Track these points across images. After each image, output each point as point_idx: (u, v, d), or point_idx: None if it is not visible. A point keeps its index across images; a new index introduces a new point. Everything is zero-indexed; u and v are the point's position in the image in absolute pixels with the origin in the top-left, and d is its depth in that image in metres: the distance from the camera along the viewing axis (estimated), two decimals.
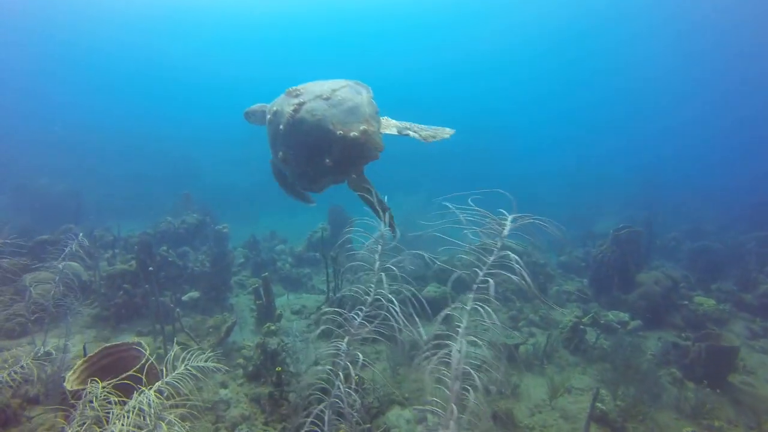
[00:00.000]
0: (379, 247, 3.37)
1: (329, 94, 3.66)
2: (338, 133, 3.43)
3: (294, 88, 3.86)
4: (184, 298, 6.68)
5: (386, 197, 3.65)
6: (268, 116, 3.96)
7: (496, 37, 39.51)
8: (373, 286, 3.28)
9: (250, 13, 38.09)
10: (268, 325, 5.86)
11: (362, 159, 3.56)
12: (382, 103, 4.03)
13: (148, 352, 3.44)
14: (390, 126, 3.86)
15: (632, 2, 31.52)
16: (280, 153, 3.73)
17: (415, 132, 3.85)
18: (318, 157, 3.54)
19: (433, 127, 3.96)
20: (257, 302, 6.22)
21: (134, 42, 41.24)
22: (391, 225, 3.52)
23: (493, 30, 38.51)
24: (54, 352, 5.41)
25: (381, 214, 3.41)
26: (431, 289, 7.76)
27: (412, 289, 3.21)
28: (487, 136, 35.13)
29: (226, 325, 5.41)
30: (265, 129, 4.19)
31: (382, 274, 3.36)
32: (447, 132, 3.87)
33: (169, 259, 6.84)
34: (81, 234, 5.47)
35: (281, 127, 3.64)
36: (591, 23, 35.26)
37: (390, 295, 7.91)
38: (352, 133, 3.45)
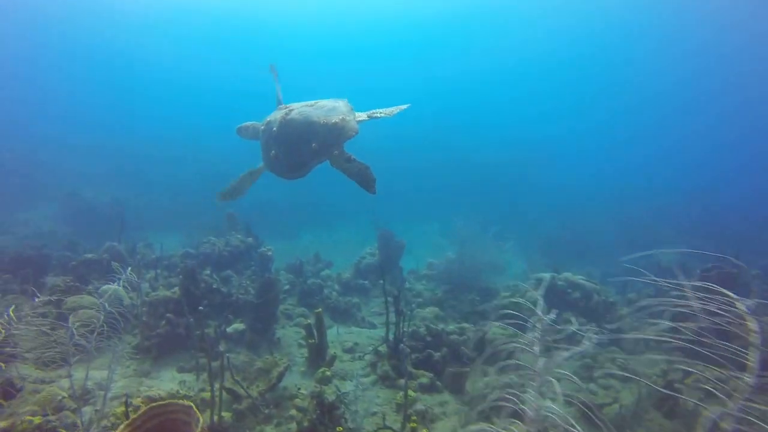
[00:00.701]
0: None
1: (312, 103, 4.82)
2: (321, 122, 4.46)
3: (284, 105, 5.07)
4: (229, 329, 6.21)
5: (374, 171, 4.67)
6: (262, 127, 5.03)
7: (521, 47, 39.39)
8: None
9: (296, 25, 39.21)
10: (323, 370, 5.28)
11: (342, 137, 4.48)
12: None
13: (201, 422, 2.89)
14: (361, 116, 4.81)
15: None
16: (273, 151, 4.72)
17: (380, 113, 4.90)
18: (305, 145, 4.47)
19: (392, 107, 4.99)
20: (309, 341, 5.66)
21: (175, 52, 43.06)
22: (369, 181, 4.67)
23: (516, 41, 38.49)
24: (94, 389, 5.02)
25: (364, 177, 4.64)
26: (497, 332, 7.00)
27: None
28: (527, 148, 34.46)
29: (278, 369, 4.86)
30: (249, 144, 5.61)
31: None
32: (402, 107, 4.97)
33: (214, 286, 6.40)
34: (129, 269, 5.05)
35: (275, 129, 4.68)
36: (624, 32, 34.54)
37: (455, 335, 6.99)
38: (332, 120, 4.46)
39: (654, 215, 21.77)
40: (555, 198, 25.91)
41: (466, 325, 7.47)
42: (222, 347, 5.97)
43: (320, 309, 5.87)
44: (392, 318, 7.30)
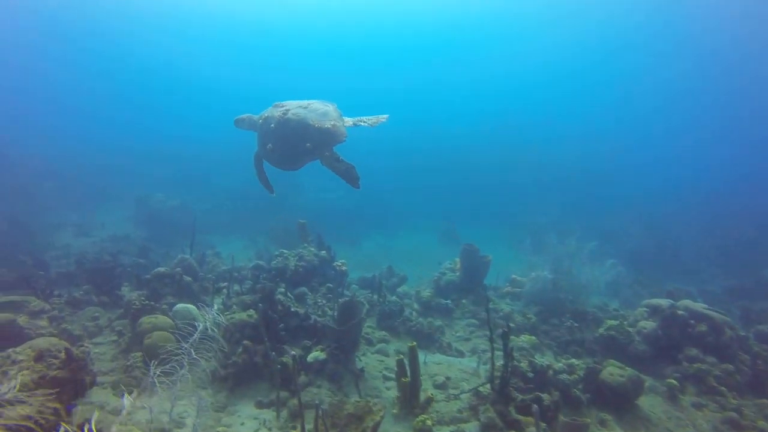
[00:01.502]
0: None
1: (306, 104, 5.35)
2: (316, 126, 5.01)
3: (279, 102, 5.55)
4: (309, 358, 5.63)
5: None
6: (260, 121, 5.54)
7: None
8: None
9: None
10: (423, 418, 4.54)
11: (333, 142, 5.03)
12: None
13: None
14: (348, 122, 5.31)
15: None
16: (270, 145, 5.27)
17: (364, 122, 5.34)
18: (301, 143, 5.05)
19: (374, 116, 5.40)
20: (402, 380, 4.95)
21: (236, 61, 45.00)
22: (354, 179, 5.07)
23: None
24: (168, 427, 4.59)
25: (350, 175, 5.05)
26: (614, 371, 5.93)
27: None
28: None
29: (373, 419, 4.17)
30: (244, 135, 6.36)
31: None
32: (383, 118, 5.37)
33: (292, 309, 5.87)
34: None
35: (272, 125, 5.23)
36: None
37: (564, 374, 5.76)
38: (325, 126, 5.02)
39: (758, 227, 19.26)
40: (631, 205, 23.87)
41: (575, 361, 6.44)
42: (302, 379, 5.41)
43: (414, 343, 5.14)
44: (483, 345, 6.43)
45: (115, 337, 6.20)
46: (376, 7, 37.30)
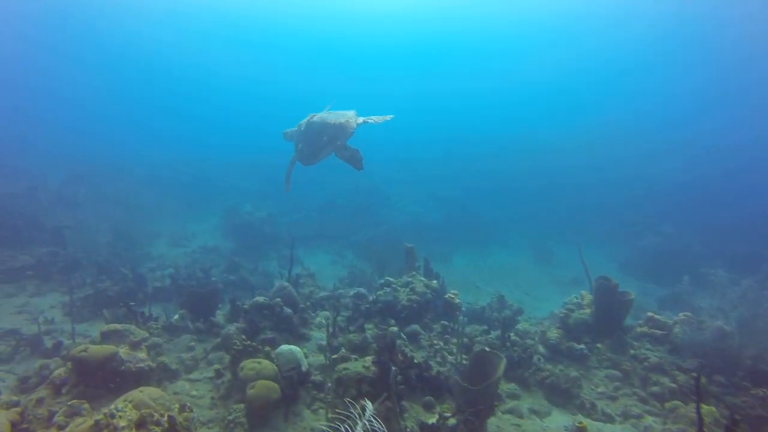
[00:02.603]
0: None
1: (328, 111, 6.97)
2: (332, 122, 6.51)
3: (312, 113, 6.96)
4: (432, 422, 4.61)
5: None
6: (297, 129, 7.18)
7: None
8: None
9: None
10: None
11: (344, 133, 6.47)
12: None
13: None
14: (359, 120, 6.64)
15: None
16: (300, 144, 6.88)
17: (373, 120, 6.74)
18: (319, 138, 6.54)
19: (380, 115, 6.78)
20: None
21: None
22: (358, 161, 6.70)
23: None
24: None
25: (355, 159, 6.69)
26: None
27: None
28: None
29: None
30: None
31: None
32: (388, 117, 6.78)
33: (415, 361, 4.90)
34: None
35: (302, 129, 6.89)
36: None
37: None
38: (339, 122, 6.49)
39: None
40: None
41: None
42: None
43: (583, 424, 3.92)
44: (635, 407, 5.16)
45: (211, 373, 5.67)
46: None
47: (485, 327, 7.73)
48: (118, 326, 5.44)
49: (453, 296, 7.30)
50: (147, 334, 5.98)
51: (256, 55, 51.11)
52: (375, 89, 54.24)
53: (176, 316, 7.18)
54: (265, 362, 4.78)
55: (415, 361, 5.13)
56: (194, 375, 5.74)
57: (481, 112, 49.17)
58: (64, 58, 49.16)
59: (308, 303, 7.15)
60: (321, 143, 6.50)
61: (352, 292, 7.56)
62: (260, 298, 6.09)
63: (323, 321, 7.06)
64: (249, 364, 4.71)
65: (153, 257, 13.90)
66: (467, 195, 24.30)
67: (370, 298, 7.31)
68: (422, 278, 7.24)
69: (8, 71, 46.95)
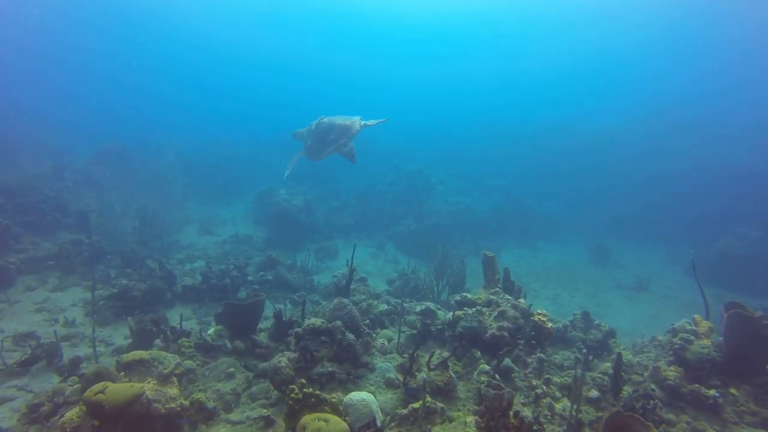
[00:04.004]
0: None
1: (335, 116, 8.18)
2: (338, 123, 7.87)
3: (322, 116, 8.28)
4: None
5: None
6: (307, 129, 8.58)
7: None
8: None
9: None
10: None
11: (349, 133, 7.79)
12: None
13: None
14: (362, 124, 7.94)
15: None
16: (308, 142, 8.28)
17: (372, 123, 8.04)
18: (326, 136, 7.92)
19: (377, 119, 8.11)
20: None
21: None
22: (352, 156, 7.97)
23: None
24: None
25: (350, 154, 7.94)
26: None
27: None
28: None
29: None
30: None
31: None
32: (383, 120, 8.07)
33: (525, 418, 3.67)
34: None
35: (312, 128, 8.27)
36: None
37: None
38: (345, 123, 7.83)
39: None
40: None
41: None
42: None
43: None
44: None
45: (256, 413, 4.61)
46: None
47: (577, 352, 6.43)
48: (144, 354, 4.41)
49: (542, 319, 5.99)
50: (178, 359, 4.95)
51: (286, 29, 49.89)
52: (411, 69, 52.42)
53: (211, 331, 6.15)
54: (333, 420, 3.65)
55: (526, 419, 3.90)
56: (235, 415, 4.69)
57: (526, 94, 46.81)
58: (100, 35, 49.13)
59: (367, 320, 5.99)
60: (328, 141, 7.90)
61: (418, 308, 6.37)
62: (317, 321, 4.95)
63: (385, 343, 5.91)
64: (312, 423, 3.58)
65: (182, 246, 13.07)
66: (514, 183, 22.66)
67: (446, 316, 6.11)
68: (508, 296, 5.96)
69: (48, 47, 47.32)
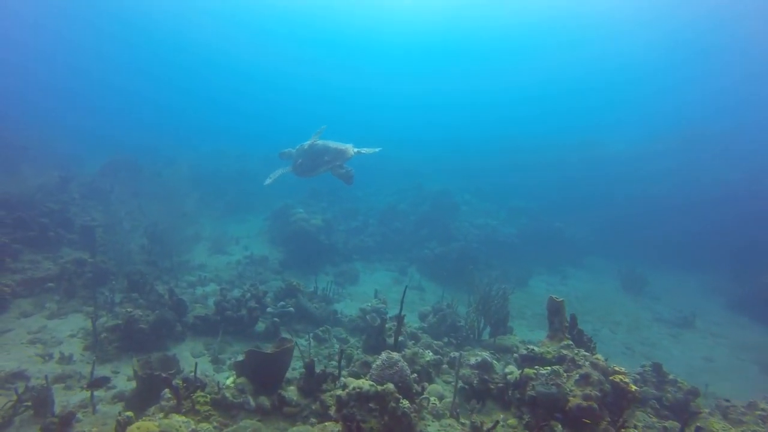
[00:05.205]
0: None
1: (327, 140, 8.95)
2: (333, 147, 8.64)
3: (312, 139, 8.94)
4: None
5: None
6: (297, 148, 9.17)
7: None
8: None
9: None
10: None
11: (344, 157, 8.58)
12: None
13: None
14: (355, 151, 8.69)
15: None
16: (300, 161, 8.89)
17: (364, 151, 8.81)
18: (320, 157, 8.67)
19: (370, 147, 8.91)
20: None
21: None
22: (349, 179, 8.79)
23: None
24: None
25: (347, 177, 8.74)
26: None
27: None
28: None
29: None
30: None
31: None
32: (376, 149, 8.92)
33: None
34: None
35: (306, 148, 8.87)
36: None
37: None
38: (340, 148, 8.62)
39: None
40: None
41: None
42: None
43: None
44: None
45: None
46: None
47: (653, 415, 5.44)
48: (152, 427, 3.50)
49: (625, 380, 5.00)
50: (192, 425, 4.04)
51: (302, 50, 50.32)
52: (426, 86, 52.17)
53: (230, 380, 5.25)
54: None
55: None
56: None
57: (544, 108, 46.08)
58: (113, 42, 49.47)
59: (414, 374, 5.05)
60: (322, 161, 8.62)
61: (473, 360, 5.41)
62: (365, 384, 4.02)
63: (437, 403, 4.96)
64: None
65: (192, 267, 12.24)
66: (542, 206, 21.68)
67: (504, 370, 5.15)
68: (585, 352, 5.00)
69: (64, 54, 47.62)
